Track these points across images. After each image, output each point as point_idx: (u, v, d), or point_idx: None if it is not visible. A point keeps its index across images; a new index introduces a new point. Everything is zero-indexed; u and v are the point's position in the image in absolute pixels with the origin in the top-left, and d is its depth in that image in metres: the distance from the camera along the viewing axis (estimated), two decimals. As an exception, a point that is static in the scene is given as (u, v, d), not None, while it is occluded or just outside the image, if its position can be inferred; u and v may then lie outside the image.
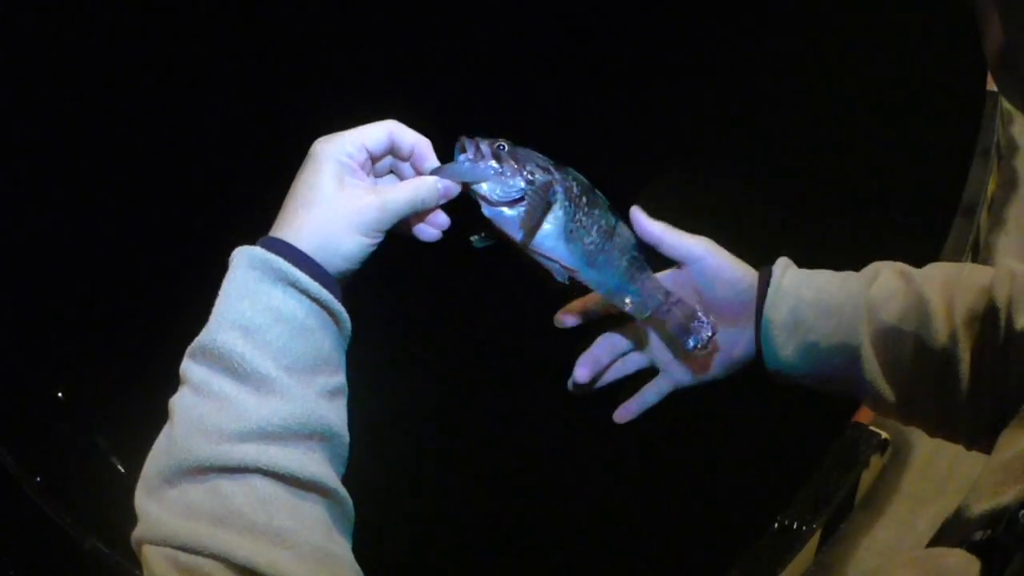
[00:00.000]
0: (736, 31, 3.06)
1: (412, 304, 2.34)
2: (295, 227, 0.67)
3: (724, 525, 1.95)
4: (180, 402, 0.63)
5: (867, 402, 0.83)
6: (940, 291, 0.76)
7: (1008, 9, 0.46)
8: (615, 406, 0.87)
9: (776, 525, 1.86)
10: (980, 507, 0.57)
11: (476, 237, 0.77)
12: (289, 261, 0.65)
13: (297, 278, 0.65)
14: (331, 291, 0.67)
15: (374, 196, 0.69)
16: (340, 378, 0.68)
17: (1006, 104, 2.62)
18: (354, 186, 0.69)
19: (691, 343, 0.80)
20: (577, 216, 0.75)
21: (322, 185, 0.68)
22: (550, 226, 0.75)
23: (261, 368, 0.62)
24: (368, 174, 0.73)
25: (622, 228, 0.78)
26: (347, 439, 0.67)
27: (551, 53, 3.06)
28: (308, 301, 0.66)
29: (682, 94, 2.90)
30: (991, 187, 2.58)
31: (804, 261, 0.86)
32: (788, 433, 1.96)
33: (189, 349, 0.65)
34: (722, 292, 0.83)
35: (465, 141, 0.73)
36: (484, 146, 0.73)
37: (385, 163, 0.75)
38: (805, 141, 2.67)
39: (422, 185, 0.72)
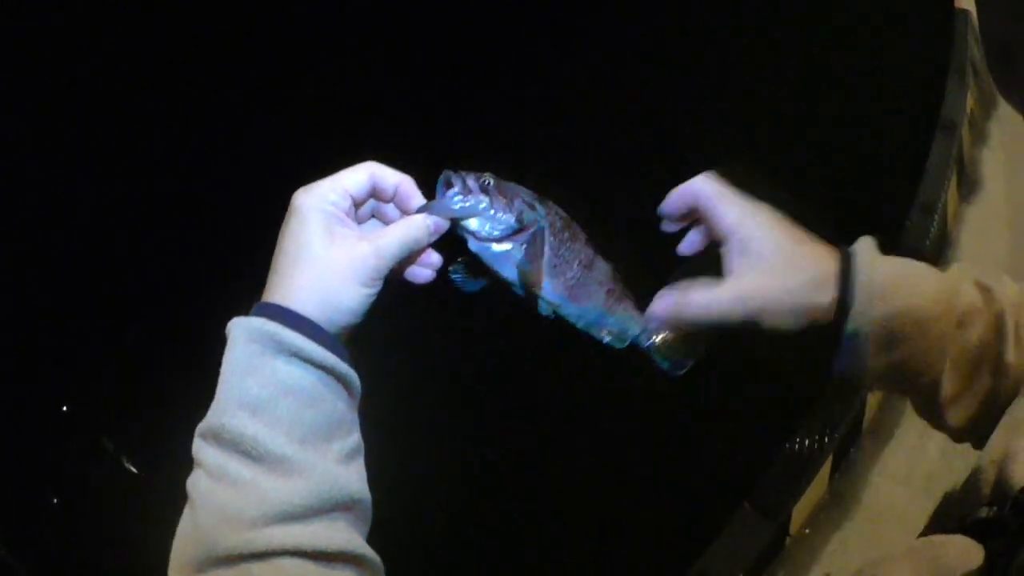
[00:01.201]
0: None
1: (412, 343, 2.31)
2: (290, 289, 0.64)
3: (733, 459, 1.96)
4: (198, 486, 0.61)
5: (925, 416, 0.74)
6: (1011, 312, 0.71)
7: (1008, 8, 0.46)
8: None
9: (785, 450, 1.86)
10: (991, 472, 0.57)
11: (459, 275, 0.75)
12: (290, 327, 0.62)
13: (300, 347, 0.62)
14: (337, 353, 0.64)
15: (367, 244, 0.66)
16: (355, 437, 0.66)
17: (975, 19, 2.61)
18: (344, 236, 0.66)
19: (670, 369, 0.77)
20: (560, 251, 0.75)
21: (311, 241, 0.65)
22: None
23: (275, 448, 0.60)
24: (352, 219, 0.69)
25: (599, 261, 0.77)
26: (368, 499, 0.65)
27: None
28: (314, 369, 0.63)
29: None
30: (970, 103, 2.57)
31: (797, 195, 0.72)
32: (786, 360, 1.96)
33: (199, 429, 0.62)
34: (778, 291, 0.69)
35: (451, 176, 0.72)
36: (471, 181, 0.72)
37: (366, 208, 0.72)
38: (780, 74, 2.66)
39: (412, 225, 0.69)
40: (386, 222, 0.73)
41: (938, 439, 2.45)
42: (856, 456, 2.12)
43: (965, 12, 2.63)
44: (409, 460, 1.88)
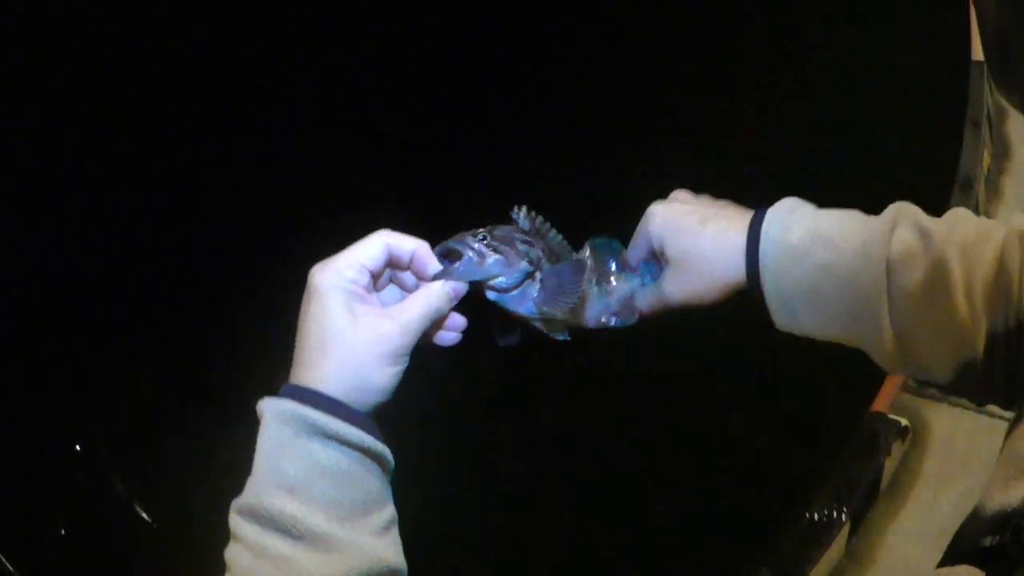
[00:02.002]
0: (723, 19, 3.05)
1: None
2: (319, 372, 0.65)
3: (748, 522, 1.96)
4: (239, 561, 0.63)
5: (880, 363, 0.79)
6: (959, 258, 0.72)
7: (1006, 8, 0.46)
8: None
9: (804, 520, 1.86)
10: (993, 506, 0.58)
11: (500, 336, 0.79)
12: (322, 411, 0.64)
13: (335, 430, 0.63)
14: (369, 432, 0.65)
15: (391, 321, 0.67)
16: (389, 509, 0.67)
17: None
18: (366, 314, 0.67)
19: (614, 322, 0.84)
20: (563, 273, 0.78)
21: (334, 322, 0.66)
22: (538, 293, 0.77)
23: (314, 527, 0.62)
24: (370, 293, 0.70)
25: (583, 257, 0.83)
26: (404, 567, 0.67)
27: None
28: (349, 449, 0.64)
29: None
30: (986, 159, 2.58)
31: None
32: (807, 426, 1.97)
33: (236, 506, 0.64)
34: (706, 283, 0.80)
35: (454, 247, 0.73)
36: (476, 245, 0.73)
37: (384, 276, 0.73)
38: (792, 126, 2.66)
39: (433, 295, 0.70)
40: (404, 287, 0.74)
41: (951, 494, 2.46)
42: (872, 517, 2.12)
43: (981, 64, 2.64)
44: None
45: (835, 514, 1.91)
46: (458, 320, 0.73)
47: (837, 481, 1.90)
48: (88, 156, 2.82)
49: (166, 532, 2.31)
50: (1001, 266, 0.71)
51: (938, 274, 0.72)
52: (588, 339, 0.83)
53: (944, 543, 2.37)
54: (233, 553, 0.63)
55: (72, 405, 2.50)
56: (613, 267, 0.85)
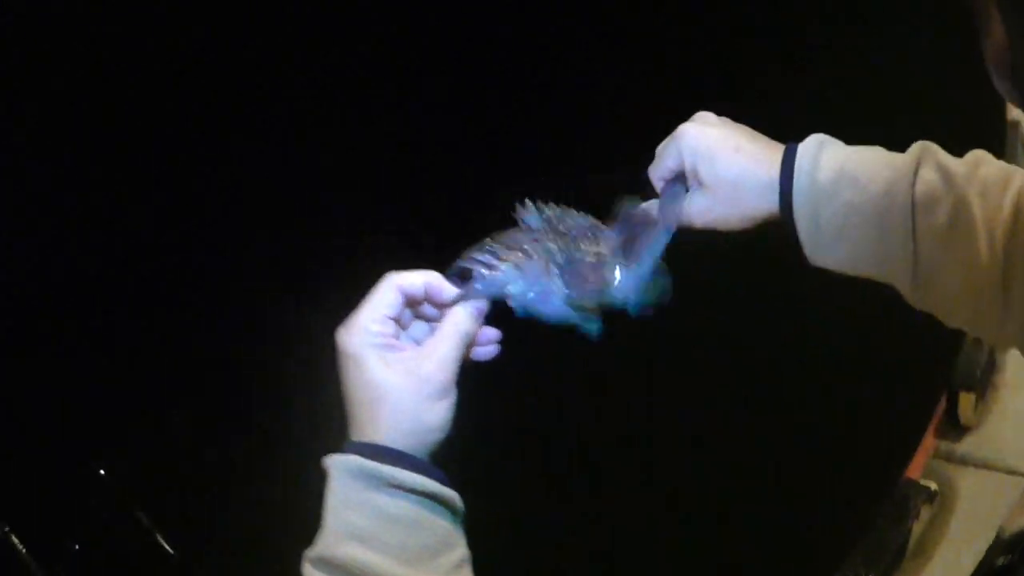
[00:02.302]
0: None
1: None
2: (374, 428, 0.68)
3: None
4: None
5: (907, 299, 0.82)
6: (979, 201, 0.74)
7: (1009, 11, 0.46)
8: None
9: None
10: (1011, 528, 0.60)
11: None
12: (382, 461, 0.66)
13: (400, 480, 0.66)
14: (433, 477, 0.68)
15: (427, 360, 0.69)
16: (462, 550, 0.70)
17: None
18: (402, 361, 0.69)
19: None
20: (577, 257, 0.78)
21: (376, 379, 0.68)
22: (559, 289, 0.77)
23: (386, 571, 0.64)
24: (398, 338, 0.73)
25: (605, 242, 0.81)
26: None
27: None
28: (415, 496, 0.67)
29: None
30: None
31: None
32: (838, 491, 1.97)
33: (308, 556, 0.67)
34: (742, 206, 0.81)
35: (463, 267, 0.75)
36: (485, 259, 0.75)
37: (406, 315, 0.75)
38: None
39: (459, 321, 0.72)
40: (428, 319, 0.76)
41: (972, 549, 2.45)
42: (897, 576, 2.12)
43: (1017, 124, 2.63)
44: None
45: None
46: (491, 333, 0.76)
47: (868, 547, 1.90)
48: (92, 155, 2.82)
49: (187, 562, 2.30)
50: (1019, 212, 0.73)
51: (960, 216, 0.74)
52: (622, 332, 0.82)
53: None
54: None
55: (98, 429, 2.50)
56: (639, 233, 0.83)
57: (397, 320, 0.73)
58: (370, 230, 2.64)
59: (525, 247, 0.76)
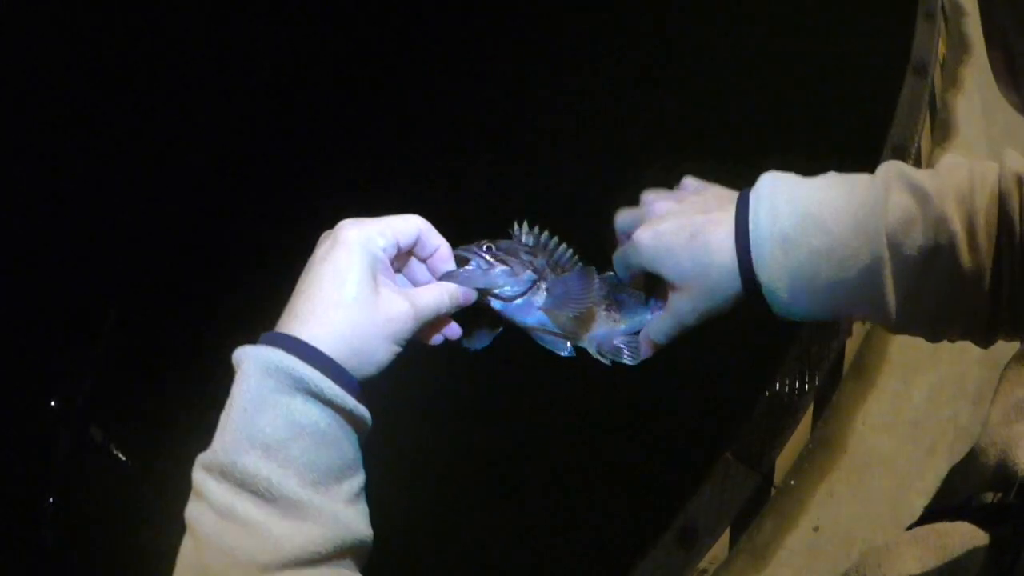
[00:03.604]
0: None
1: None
2: (322, 327, 0.62)
3: (710, 406, 1.95)
4: (203, 522, 0.59)
5: (888, 329, 0.75)
6: (957, 210, 0.69)
7: (1014, 22, 0.45)
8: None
9: (766, 399, 1.86)
10: (993, 454, 0.56)
11: (465, 341, 0.76)
12: (314, 366, 0.61)
13: (320, 388, 0.60)
14: (354, 395, 0.63)
15: (408, 304, 0.65)
16: (361, 475, 0.65)
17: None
18: (387, 286, 0.66)
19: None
20: (568, 283, 0.77)
21: (356, 282, 0.63)
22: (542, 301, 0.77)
23: (288, 491, 0.59)
24: (392, 269, 0.69)
25: (593, 273, 0.80)
26: (371, 537, 0.64)
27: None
28: (332, 411, 0.61)
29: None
30: (941, 48, 2.56)
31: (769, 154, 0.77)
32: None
33: (203, 461, 0.60)
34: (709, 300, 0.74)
35: (463, 254, 0.73)
36: (485, 254, 0.74)
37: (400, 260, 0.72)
38: (748, 18, 2.64)
39: (447, 292, 0.70)
40: (412, 280, 0.72)
41: (922, 385, 2.45)
42: (838, 401, 2.12)
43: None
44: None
45: (797, 393, 1.91)
46: (455, 329, 0.73)
47: (796, 359, 1.89)
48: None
49: (144, 472, 2.32)
50: (1001, 209, 0.68)
51: (940, 232, 0.69)
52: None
53: (917, 435, 2.38)
54: (196, 512, 0.59)
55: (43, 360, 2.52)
56: (623, 299, 0.82)
57: (399, 255, 0.69)
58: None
59: (522, 256, 0.76)
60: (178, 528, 0.61)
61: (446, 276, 0.72)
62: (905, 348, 2.27)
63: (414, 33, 3.11)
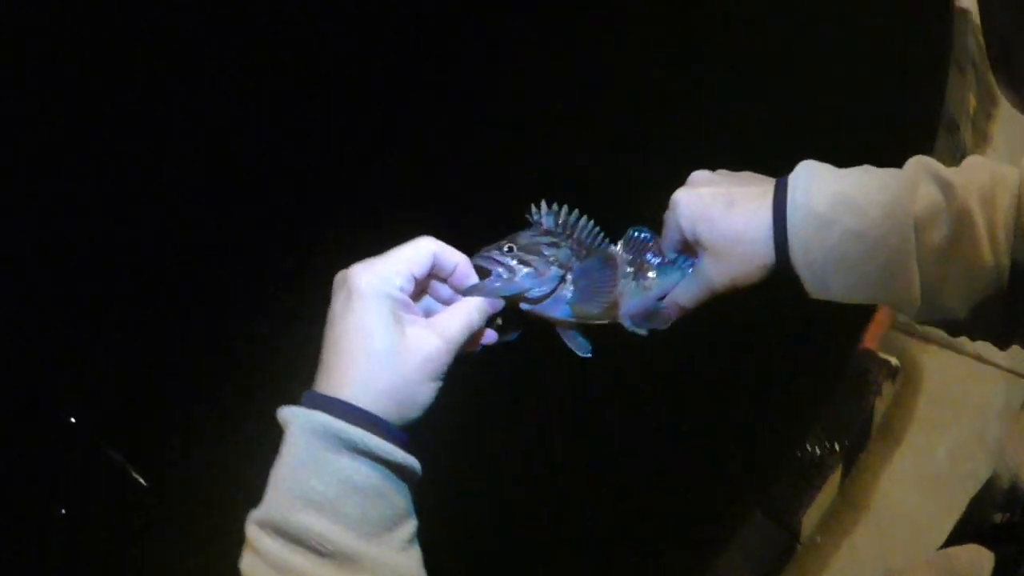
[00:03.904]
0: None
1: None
2: (355, 382, 0.62)
3: (741, 464, 1.96)
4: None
5: (910, 317, 0.78)
6: (980, 207, 0.72)
7: (1011, 18, 0.46)
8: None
9: (796, 459, 1.86)
10: (1007, 479, 0.57)
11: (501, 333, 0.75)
12: (357, 425, 0.61)
13: (368, 445, 0.61)
14: (403, 446, 0.63)
15: (438, 337, 0.64)
16: (413, 522, 0.65)
17: (975, 19, 2.61)
18: (413, 324, 0.64)
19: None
20: (594, 268, 0.77)
21: (379, 330, 0.62)
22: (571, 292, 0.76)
23: (342, 546, 0.59)
24: (413, 302, 0.68)
25: (613, 249, 0.80)
26: None
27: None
28: (382, 466, 0.62)
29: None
30: (972, 102, 2.57)
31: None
32: (796, 366, 1.96)
33: (255, 518, 0.61)
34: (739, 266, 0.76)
35: (482, 264, 0.72)
36: (506, 260, 0.72)
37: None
38: (777, 70, 2.64)
39: (474, 309, 0.68)
40: (437, 298, 0.72)
41: (945, 441, 2.45)
42: (865, 460, 2.12)
43: (965, 12, 2.62)
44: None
45: (827, 453, 1.91)
46: (491, 334, 0.72)
47: (828, 420, 1.90)
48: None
49: (162, 494, 2.31)
50: (1020, 209, 0.70)
51: (963, 225, 0.71)
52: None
53: (940, 491, 2.38)
54: (252, 566, 0.60)
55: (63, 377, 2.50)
56: (651, 260, 0.82)
57: (418, 285, 0.67)
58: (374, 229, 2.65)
59: (544, 252, 0.74)
60: (188, 546, 0.62)
61: (470, 291, 0.70)
62: (931, 405, 2.28)
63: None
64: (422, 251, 0.67)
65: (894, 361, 2.02)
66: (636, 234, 0.81)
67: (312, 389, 0.64)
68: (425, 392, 0.64)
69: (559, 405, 2.05)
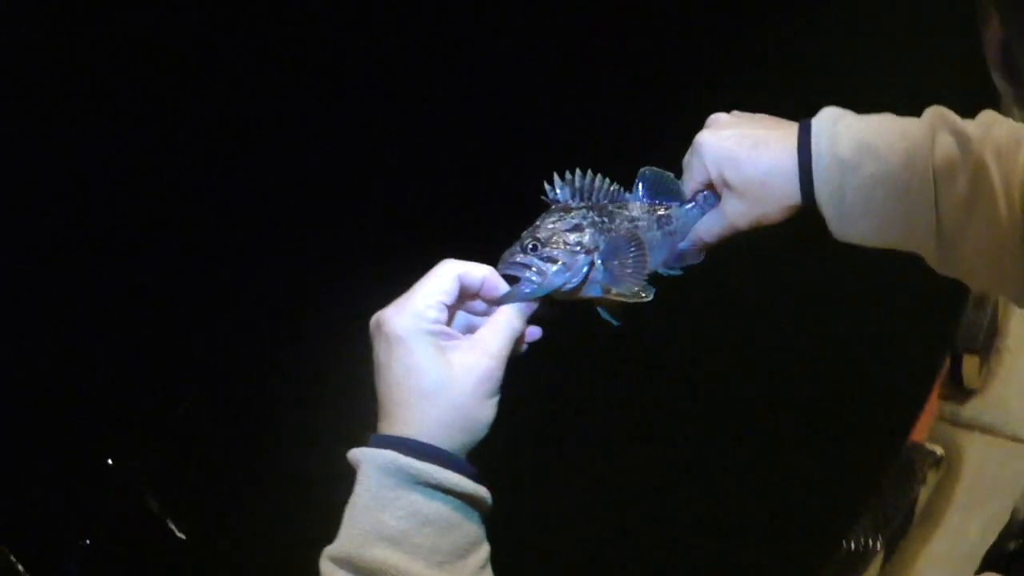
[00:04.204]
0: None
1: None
2: (418, 421, 0.64)
3: (785, 555, 1.97)
4: None
5: (931, 264, 0.81)
6: (995, 163, 0.74)
7: (1007, 10, 0.46)
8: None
9: (841, 551, 1.87)
10: (1022, 511, 0.60)
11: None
12: (425, 460, 0.62)
13: (438, 479, 0.62)
14: (469, 476, 0.65)
15: (484, 355, 0.66)
16: (486, 548, 0.67)
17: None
18: (456, 350, 0.66)
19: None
20: (621, 237, 0.78)
21: (428, 368, 0.64)
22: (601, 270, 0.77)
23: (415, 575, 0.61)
24: (449, 327, 0.69)
25: (634, 207, 0.81)
26: None
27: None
28: (452, 497, 0.64)
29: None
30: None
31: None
32: (844, 457, 1.98)
33: (330, 553, 0.63)
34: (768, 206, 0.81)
35: (508, 271, 0.72)
36: (532, 261, 0.72)
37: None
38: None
39: (513, 319, 0.70)
40: (472, 312, 0.73)
41: (978, 518, 2.46)
42: (905, 545, 2.13)
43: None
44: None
45: (871, 544, 1.92)
46: (534, 331, 0.74)
47: (875, 511, 1.90)
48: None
49: (198, 546, 2.31)
50: None
51: (979, 179, 0.74)
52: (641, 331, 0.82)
53: (970, 568, 2.37)
54: None
55: (107, 419, 2.51)
56: (670, 203, 0.84)
57: (450, 309, 0.69)
58: (377, 228, 2.67)
59: (568, 240, 0.74)
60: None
61: (504, 300, 0.71)
62: (968, 489, 2.29)
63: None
64: (446, 278, 0.68)
65: (939, 451, 2.04)
66: (649, 175, 0.83)
67: (376, 434, 0.66)
68: (486, 411, 0.66)
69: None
